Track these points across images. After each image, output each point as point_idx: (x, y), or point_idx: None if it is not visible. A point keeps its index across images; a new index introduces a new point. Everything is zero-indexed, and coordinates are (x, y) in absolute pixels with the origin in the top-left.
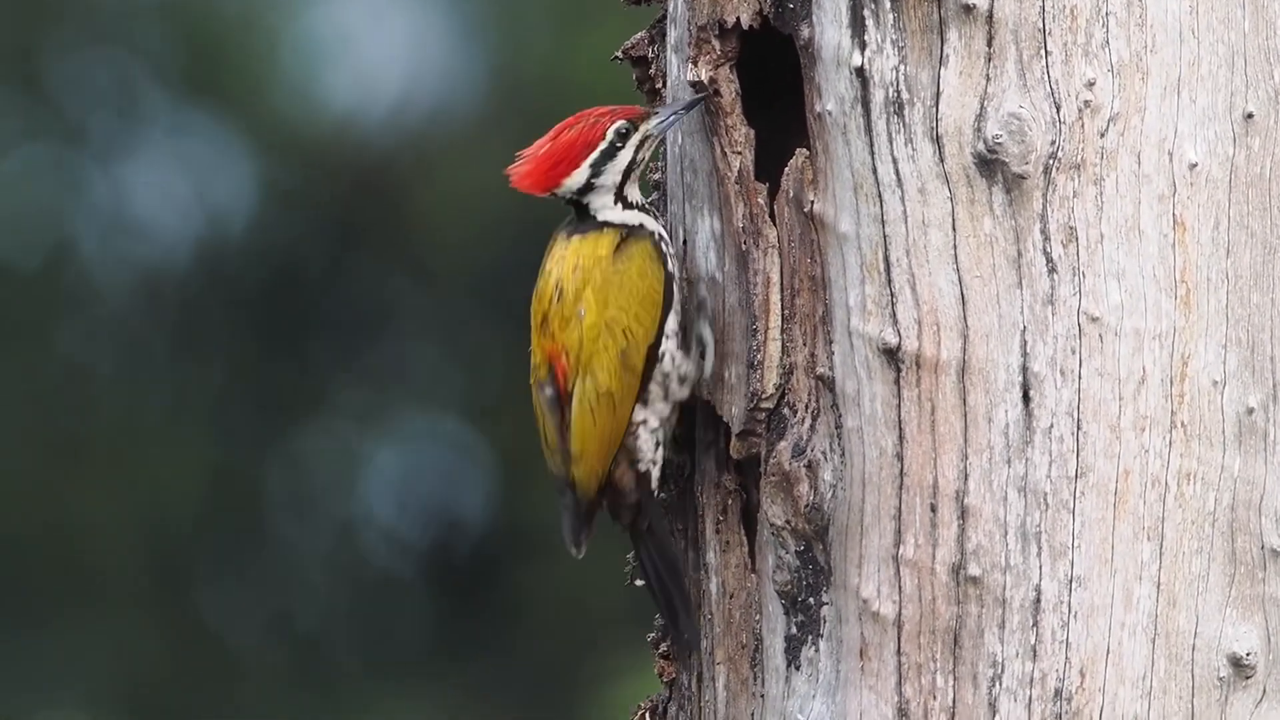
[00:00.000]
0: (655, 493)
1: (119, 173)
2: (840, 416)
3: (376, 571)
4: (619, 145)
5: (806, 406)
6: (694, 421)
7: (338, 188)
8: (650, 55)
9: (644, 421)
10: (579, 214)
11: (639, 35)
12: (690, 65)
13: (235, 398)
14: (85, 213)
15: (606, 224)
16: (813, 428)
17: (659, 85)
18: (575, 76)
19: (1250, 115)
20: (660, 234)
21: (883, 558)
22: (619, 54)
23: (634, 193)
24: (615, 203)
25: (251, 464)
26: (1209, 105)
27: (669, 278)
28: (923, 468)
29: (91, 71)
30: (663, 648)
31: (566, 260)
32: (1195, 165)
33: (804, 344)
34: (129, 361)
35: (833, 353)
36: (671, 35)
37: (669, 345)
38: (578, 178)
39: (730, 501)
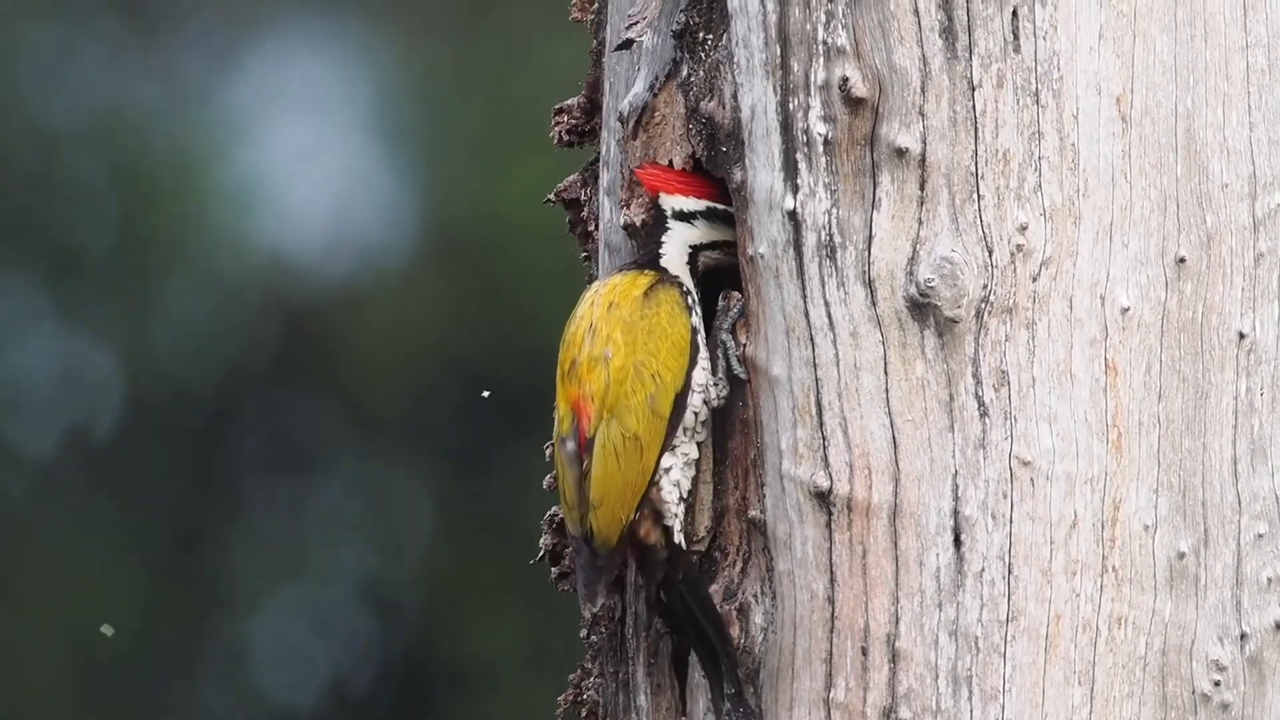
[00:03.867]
0: (681, 544)
1: (49, 308)
2: (771, 559)
3: (299, 711)
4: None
5: (738, 549)
6: (626, 565)
7: (268, 329)
8: (583, 198)
9: (668, 470)
10: (643, 251)
11: (571, 178)
12: (623, 208)
13: (164, 536)
14: (8, 358)
15: (648, 266)
16: (744, 571)
17: (591, 227)
18: (506, 215)
19: (1182, 259)
20: (689, 289)
21: (813, 701)
22: (551, 196)
23: (687, 264)
24: (680, 255)
25: (177, 600)
26: (1141, 249)
27: (694, 330)
28: (854, 611)
29: (15, 211)
30: None
31: (601, 299)
32: (1127, 309)
33: (735, 487)
34: (59, 500)
35: (764, 496)
36: (604, 178)
37: (695, 399)
38: (690, 204)
39: (661, 644)
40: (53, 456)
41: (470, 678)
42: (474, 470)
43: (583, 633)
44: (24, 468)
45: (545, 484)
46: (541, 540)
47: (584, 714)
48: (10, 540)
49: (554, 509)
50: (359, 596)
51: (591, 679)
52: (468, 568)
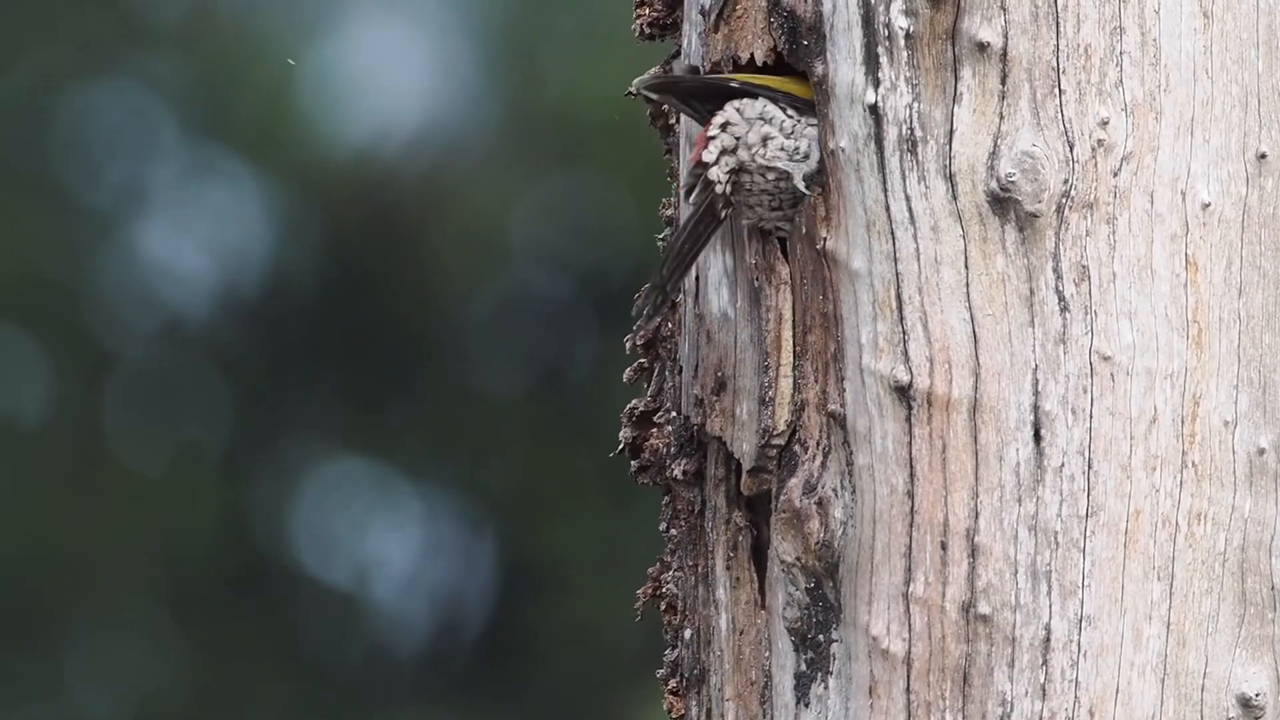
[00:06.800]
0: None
1: (132, 214)
2: (851, 454)
3: (386, 613)
4: None
5: (818, 444)
6: (705, 458)
7: (353, 223)
8: None
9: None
10: None
11: (652, 70)
12: None
13: (251, 441)
14: (100, 255)
15: None
16: (824, 465)
17: (672, 120)
18: (590, 110)
19: (1263, 155)
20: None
21: (893, 595)
22: (632, 89)
23: None
24: None
25: (265, 506)
26: (1222, 145)
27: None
28: (933, 505)
29: (102, 106)
30: (671, 684)
31: None
32: (1208, 205)
33: (815, 381)
34: (145, 403)
35: (844, 390)
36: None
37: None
38: None
39: (740, 538)
40: (136, 352)
41: (551, 579)
42: (557, 366)
43: (661, 526)
44: (116, 366)
45: (625, 378)
46: (621, 434)
47: (663, 607)
48: (94, 436)
49: (634, 401)
50: (447, 502)
51: (670, 573)
52: (550, 468)
